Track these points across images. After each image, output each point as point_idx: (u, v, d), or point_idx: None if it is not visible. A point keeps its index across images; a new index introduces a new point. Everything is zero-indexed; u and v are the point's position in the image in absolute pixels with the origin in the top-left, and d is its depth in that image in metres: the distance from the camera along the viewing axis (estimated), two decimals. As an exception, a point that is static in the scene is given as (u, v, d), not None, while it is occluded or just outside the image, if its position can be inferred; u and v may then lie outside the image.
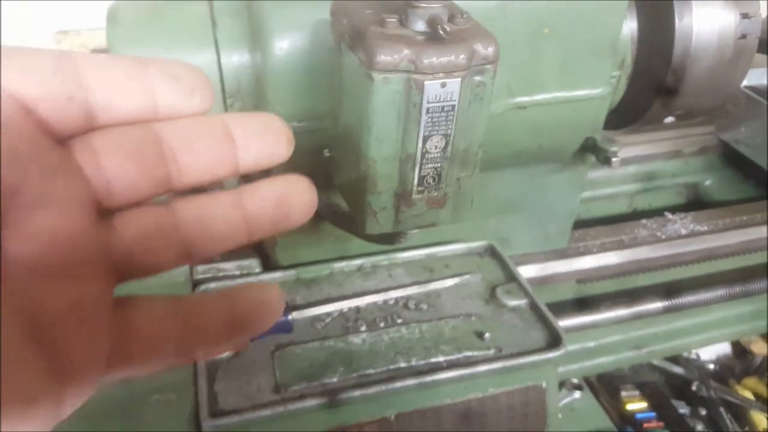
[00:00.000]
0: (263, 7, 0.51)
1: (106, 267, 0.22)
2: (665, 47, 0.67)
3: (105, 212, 0.23)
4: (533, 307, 0.61)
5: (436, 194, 0.41)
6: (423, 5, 0.36)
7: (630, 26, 0.67)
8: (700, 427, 1.11)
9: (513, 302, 0.62)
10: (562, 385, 1.00)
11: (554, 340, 0.57)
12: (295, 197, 0.26)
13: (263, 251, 0.69)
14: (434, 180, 0.41)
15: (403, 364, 0.54)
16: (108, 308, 0.22)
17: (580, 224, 0.86)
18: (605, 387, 1.15)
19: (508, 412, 0.56)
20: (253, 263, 0.66)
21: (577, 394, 1.00)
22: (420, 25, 0.36)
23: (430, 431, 0.54)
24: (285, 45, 0.51)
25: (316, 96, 0.51)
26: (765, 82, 1.09)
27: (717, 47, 0.69)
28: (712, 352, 1.27)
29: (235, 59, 0.55)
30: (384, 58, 0.35)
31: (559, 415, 0.62)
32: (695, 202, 1.15)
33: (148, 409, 0.49)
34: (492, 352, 0.56)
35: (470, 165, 0.41)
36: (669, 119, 0.77)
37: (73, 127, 0.22)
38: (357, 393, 0.51)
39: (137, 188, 0.23)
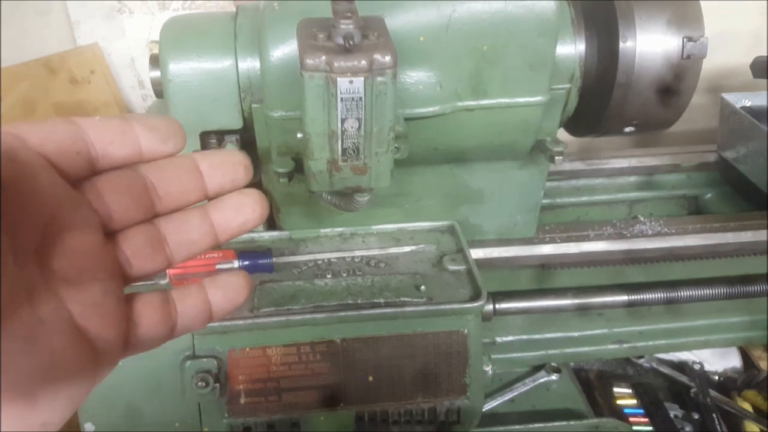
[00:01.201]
0: (264, 24, 0.69)
1: (116, 272, 0.29)
2: (610, 66, 0.79)
3: (109, 233, 0.30)
4: (469, 272, 0.75)
5: (357, 163, 0.57)
6: (342, 25, 0.52)
7: (578, 46, 0.79)
8: (689, 429, 1.17)
9: (454, 267, 0.76)
10: (542, 367, 1.11)
11: (476, 295, 0.71)
12: (250, 207, 0.33)
13: (269, 216, 0.87)
14: (354, 152, 0.57)
15: (350, 301, 0.70)
16: (122, 303, 0.29)
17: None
18: (602, 384, 1.23)
19: (434, 349, 0.70)
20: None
21: (554, 376, 1.11)
22: (340, 40, 0.52)
23: (369, 355, 0.69)
24: (277, 54, 0.69)
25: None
26: (766, 103, 1.15)
27: (661, 66, 0.80)
28: (720, 365, 1.31)
29: (248, 64, 0.74)
30: (309, 61, 0.51)
31: (489, 367, 0.76)
32: (696, 214, 1.22)
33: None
34: (423, 300, 0.70)
35: (384, 143, 0.57)
36: (628, 129, 0.88)
37: (81, 173, 0.29)
38: (309, 317, 0.68)
39: (130, 215, 0.30)
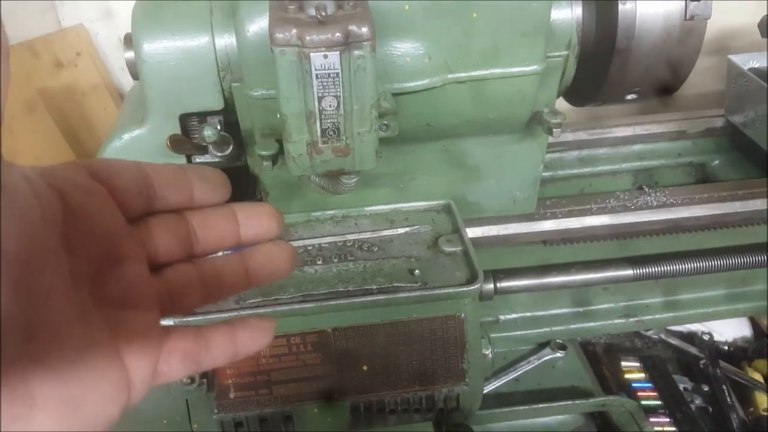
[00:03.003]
0: (239, -1, 0.65)
1: (157, 304, 0.32)
2: (609, 30, 0.74)
3: (153, 267, 0.32)
4: (465, 253, 0.72)
5: (338, 145, 0.54)
6: (313, -5, 0.48)
7: (575, 9, 0.74)
8: (698, 401, 1.14)
9: (449, 249, 0.72)
10: (547, 344, 1.09)
11: (473, 278, 0.67)
12: (281, 257, 0.36)
13: (259, 200, 0.83)
14: (334, 133, 0.53)
15: (341, 289, 0.67)
16: (159, 335, 0.31)
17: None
18: (609, 357, 1.21)
19: (430, 335, 0.67)
20: (245, 209, 0.80)
21: (560, 353, 1.08)
22: (311, 11, 0.48)
23: (363, 344, 0.67)
24: (254, 28, 0.64)
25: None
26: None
27: (663, 28, 0.75)
28: (729, 334, 1.28)
29: (226, 40, 0.69)
30: (278, 35, 0.47)
31: (488, 351, 0.73)
32: (703, 182, 1.17)
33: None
34: (418, 284, 0.67)
35: (366, 122, 0.53)
36: (630, 96, 0.84)
37: (138, 211, 0.32)
38: (298, 307, 0.65)
39: (173, 253, 0.33)
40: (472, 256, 0.70)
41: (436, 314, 0.67)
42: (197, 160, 0.73)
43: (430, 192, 0.83)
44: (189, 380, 0.62)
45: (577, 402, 0.97)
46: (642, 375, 1.16)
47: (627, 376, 1.15)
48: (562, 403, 0.96)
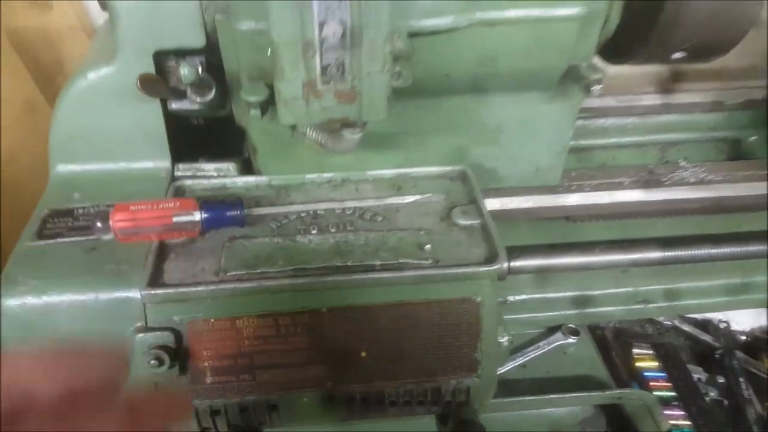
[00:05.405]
0: None
1: None
2: (664, -30, 0.63)
3: None
4: (484, 227, 0.62)
5: (342, 86, 0.43)
6: None
7: (625, -56, 0.63)
8: (713, 393, 1.08)
9: (465, 222, 0.62)
10: (558, 328, 1.00)
11: (492, 256, 0.58)
12: None
13: (246, 158, 0.73)
14: (338, 70, 0.42)
15: (339, 263, 0.57)
16: None
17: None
18: (620, 343, 1.13)
19: (440, 320, 0.58)
20: (231, 167, 0.70)
21: (572, 338, 1.00)
22: None
23: (362, 327, 0.57)
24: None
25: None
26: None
27: (725, -27, 0.64)
28: (747, 323, 1.21)
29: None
30: (271, -62, 0.36)
31: (504, 338, 0.63)
32: (735, 159, 1.07)
33: (101, 275, 0.55)
34: (428, 262, 0.57)
35: (378, 60, 0.42)
36: (677, 55, 0.73)
37: None
38: (288, 282, 0.55)
39: None
40: (492, 231, 0.60)
41: (448, 297, 0.57)
42: (173, 106, 0.62)
43: (443, 156, 0.72)
44: (157, 362, 0.53)
45: (592, 394, 0.89)
46: (655, 363, 1.10)
47: (639, 364, 1.09)
48: (575, 394, 0.88)
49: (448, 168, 0.71)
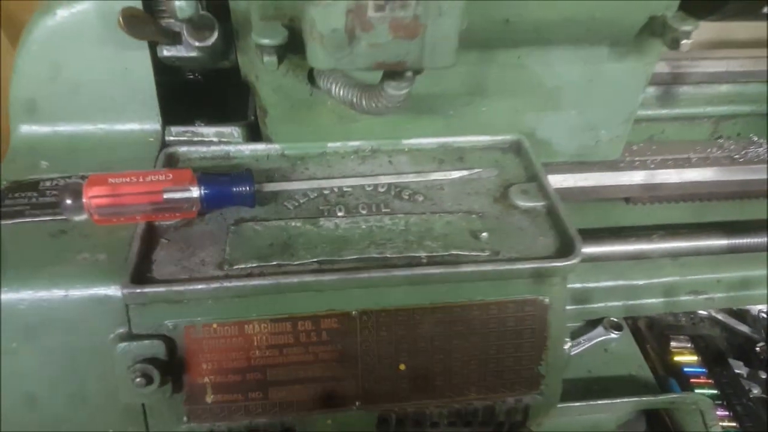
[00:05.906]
0: None
1: None
2: None
3: None
4: (551, 211, 0.50)
5: (403, 15, 0.30)
6: None
7: None
8: (756, 390, 0.99)
9: (527, 204, 0.51)
10: (599, 322, 0.91)
11: (566, 248, 0.46)
12: None
13: (253, 122, 0.60)
14: (399, -8, 0.30)
15: (375, 254, 0.45)
16: None
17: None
18: (654, 335, 1.04)
19: (498, 326, 0.47)
20: (235, 131, 0.58)
21: (614, 333, 0.91)
22: None
23: (401, 335, 0.46)
24: None
25: None
26: None
27: None
28: (788, 313, 1.12)
29: None
30: None
31: (568, 346, 0.52)
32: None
33: (71, 267, 0.43)
34: (486, 254, 0.46)
35: (454, -20, 0.30)
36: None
37: None
38: (311, 279, 0.43)
39: None
40: (563, 216, 0.49)
41: (509, 297, 0.46)
42: (165, 53, 0.49)
43: (491, 123, 0.61)
44: (144, 380, 0.41)
45: (642, 398, 0.79)
46: (694, 358, 1.00)
47: (677, 358, 0.99)
48: (624, 399, 0.78)
49: (499, 137, 0.60)
